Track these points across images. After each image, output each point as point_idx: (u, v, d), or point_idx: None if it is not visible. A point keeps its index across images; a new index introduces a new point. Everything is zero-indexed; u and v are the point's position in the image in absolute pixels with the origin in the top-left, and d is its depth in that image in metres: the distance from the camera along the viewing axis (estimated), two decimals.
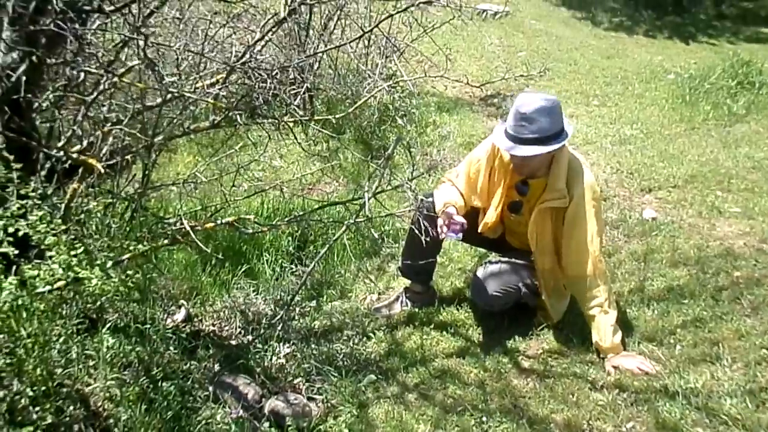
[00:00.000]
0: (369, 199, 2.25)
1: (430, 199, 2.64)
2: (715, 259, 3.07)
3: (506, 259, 2.71)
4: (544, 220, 2.52)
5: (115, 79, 2.05)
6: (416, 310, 2.87)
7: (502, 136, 2.43)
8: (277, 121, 2.42)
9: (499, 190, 2.61)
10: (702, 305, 2.71)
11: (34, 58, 1.90)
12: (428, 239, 2.40)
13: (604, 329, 2.45)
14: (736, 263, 3.01)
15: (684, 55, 7.73)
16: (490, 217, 2.64)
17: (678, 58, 7.52)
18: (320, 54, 4.80)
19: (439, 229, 2.51)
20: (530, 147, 2.36)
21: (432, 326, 2.74)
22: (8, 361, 1.89)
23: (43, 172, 2.39)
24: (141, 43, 2.00)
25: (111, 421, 2.03)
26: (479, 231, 2.71)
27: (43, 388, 1.91)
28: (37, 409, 1.87)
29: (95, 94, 2.05)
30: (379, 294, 3.09)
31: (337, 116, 2.99)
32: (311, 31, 4.87)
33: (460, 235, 2.55)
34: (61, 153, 2.09)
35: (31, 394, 1.87)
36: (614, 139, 4.86)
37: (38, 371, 1.92)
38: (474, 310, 2.82)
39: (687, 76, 6.23)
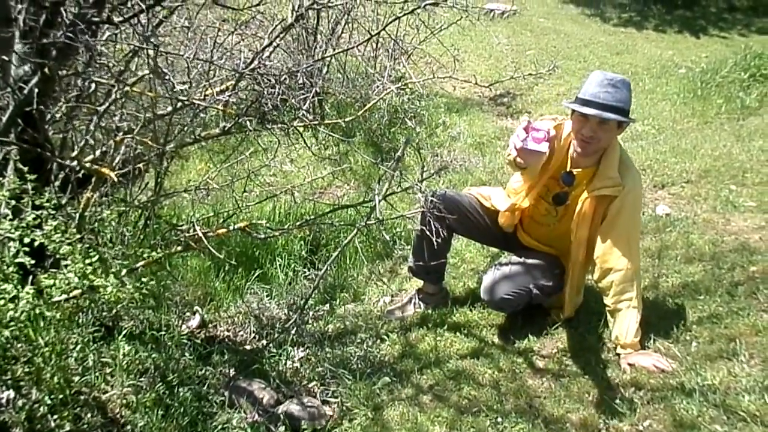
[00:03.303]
0: (379, 202, 2.26)
1: (439, 198, 2.63)
2: (730, 254, 3.03)
3: (517, 259, 2.69)
4: (590, 208, 2.49)
5: (126, 88, 2.07)
6: (429, 311, 2.87)
7: (578, 105, 2.36)
8: (286, 126, 2.43)
9: (540, 181, 2.58)
10: (718, 301, 2.68)
11: (45, 70, 1.93)
12: (438, 239, 2.39)
13: (627, 325, 2.43)
14: (752, 258, 2.97)
15: (695, 49, 7.68)
16: (521, 206, 2.65)
17: (689, 52, 7.47)
18: (329, 58, 4.82)
19: (517, 143, 2.16)
20: (612, 114, 2.32)
21: (445, 327, 2.73)
22: (27, 369, 1.92)
23: (57, 183, 2.43)
24: (151, 52, 2.02)
25: (128, 427, 2.06)
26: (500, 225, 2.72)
27: (61, 396, 1.94)
28: (56, 417, 1.90)
29: (107, 104, 2.08)
30: (392, 296, 3.09)
31: (346, 120, 3.00)
32: (319, 36, 4.89)
33: (546, 146, 2.15)
34: (75, 163, 2.12)
35: (49, 402, 1.90)
36: (626, 136, 4.82)
37: (56, 379, 1.95)
38: (487, 310, 2.82)
39: (698, 70, 6.20)
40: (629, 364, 2.41)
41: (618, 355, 2.47)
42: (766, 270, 2.86)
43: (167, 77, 2.06)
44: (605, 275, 2.48)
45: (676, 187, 3.92)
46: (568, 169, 2.52)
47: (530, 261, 2.67)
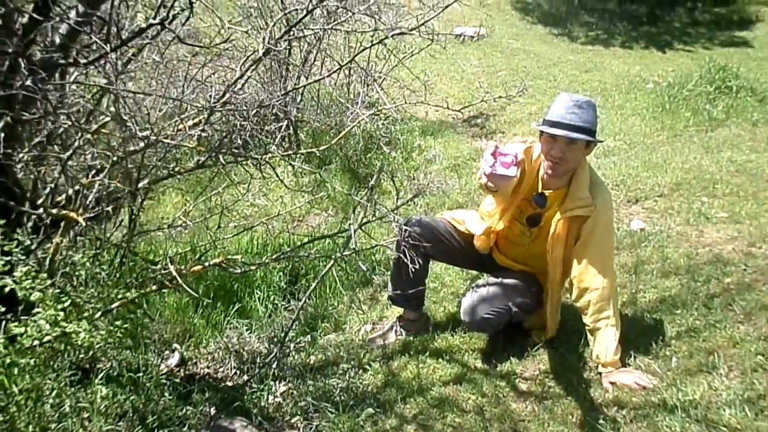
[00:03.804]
0: (355, 232, 2.26)
1: (414, 225, 2.63)
2: (705, 267, 3.07)
3: (494, 279, 2.70)
4: (564, 229, 2.51)
5: (87, 136, 2.06)
6: (411, 338, 2.86)
7: (547, 127, 2.40)
8: (258, 161, 2.43)
9: (513, 203, 2.60)
10: (695, 314, 2.71)
11: (10, 117, 1.91)
12: (415, 267, 2.39)
13: (606, 343, 2.45)
14: (726, 269, 3.01)
15: (661, 63, 7.85)
16: (496, 228, 2.66)
17: (655, 67, 7.63)
18: (301, 88, 4.84)
19: (486, 169, 2.11)
20: (580, 135, 2.36)
21: (427, 354, 2.72)
22: (1, 418, 1.87)
23: (29, 224, 2.39)
24: (115, 96, 2.01)
25: None
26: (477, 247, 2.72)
27: None
28: None
29: (70, 151, 2.06)
30: (373, 324, 3.08)
31: (320, 148, 3.01)
32: (291, 66, 4.92)
33: (515, 170, 2.09)
34: (41, 210, 2.09)
35: None
36: (598, 152, 4.89)
37: (31, 428, 1.91)
38: (468, 334, 2.81)
39: (665, 85, 6.33)
40: (611, 383, 2.41)
41: (600, 373, 2.48)
42: (741, 281, 2.90)
43: (128, 124, 2.05)
44: (582, 295, 2.50)
45: (650, 201, 3.98)
46: (539, 191, 2.55)
47: (507, 280, 2.68)
